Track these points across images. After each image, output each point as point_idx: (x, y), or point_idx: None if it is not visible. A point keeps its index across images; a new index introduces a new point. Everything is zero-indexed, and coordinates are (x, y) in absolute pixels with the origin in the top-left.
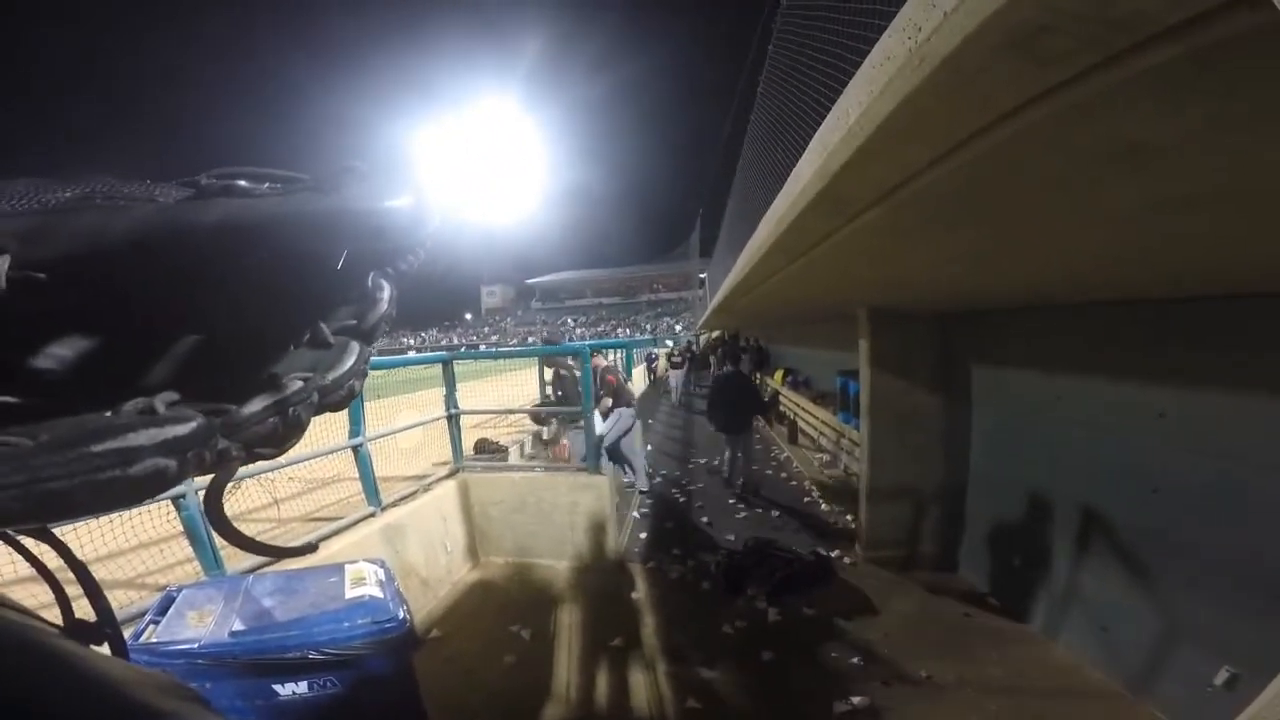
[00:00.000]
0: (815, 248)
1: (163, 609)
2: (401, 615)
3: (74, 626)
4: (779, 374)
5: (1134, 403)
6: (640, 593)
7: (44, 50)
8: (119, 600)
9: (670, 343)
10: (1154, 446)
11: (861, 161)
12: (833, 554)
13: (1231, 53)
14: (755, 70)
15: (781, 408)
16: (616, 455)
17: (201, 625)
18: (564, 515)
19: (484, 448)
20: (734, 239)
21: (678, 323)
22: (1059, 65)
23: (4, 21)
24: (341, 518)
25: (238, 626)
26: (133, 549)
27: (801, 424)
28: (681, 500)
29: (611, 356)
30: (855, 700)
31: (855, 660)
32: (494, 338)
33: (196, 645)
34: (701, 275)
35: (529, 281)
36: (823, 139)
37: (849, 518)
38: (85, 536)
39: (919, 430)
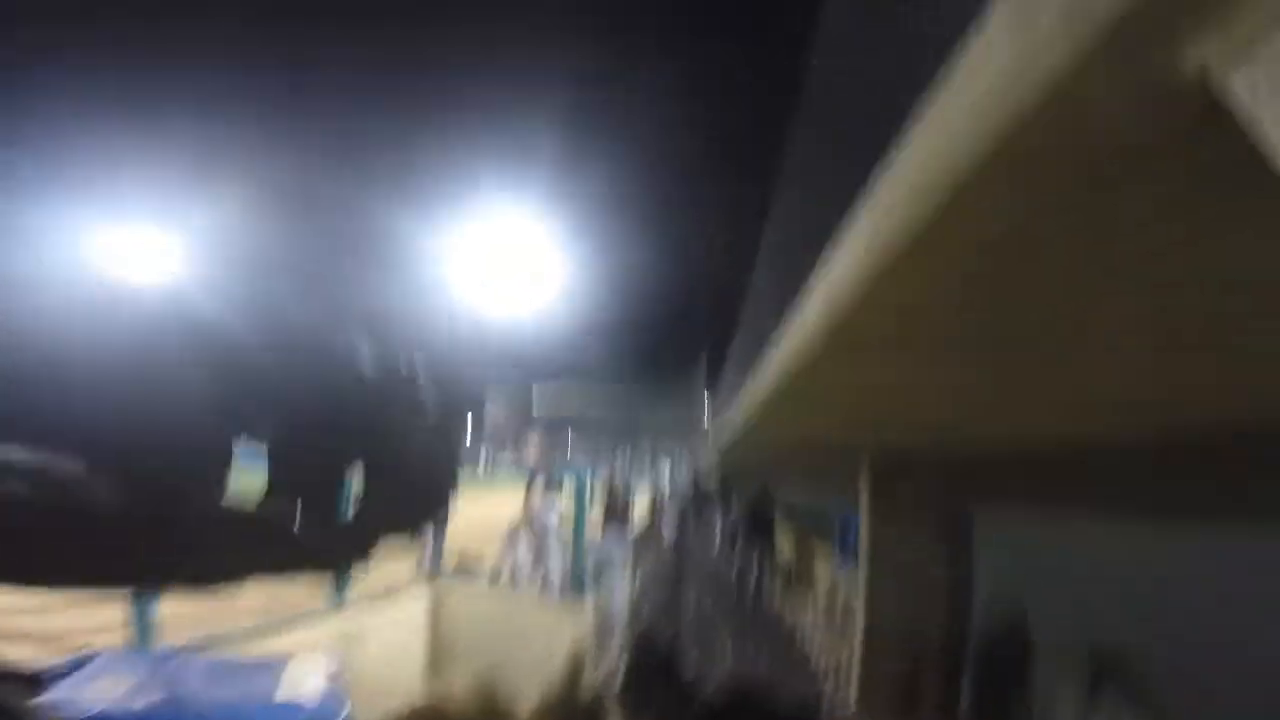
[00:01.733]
0: (820, 393)
1: (72, 670)
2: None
3: None
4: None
5: (1156, 546)
6: None
7: None
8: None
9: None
10: (1183, 592)
11: (872, 291)
12: (823, 706)
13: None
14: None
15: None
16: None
17: (110, 693)
18: (541, 643)
19: (465, 564)
20: (738, 376)
21: (679, 459)
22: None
23: None
24: (301, 608)
25: (148, 702)
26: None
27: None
28: (668, 636)
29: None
30: None
31: None
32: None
33: (96, 711)
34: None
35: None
36: (828, 271)
37: (841, 666)
38: None
39: (920, 579)
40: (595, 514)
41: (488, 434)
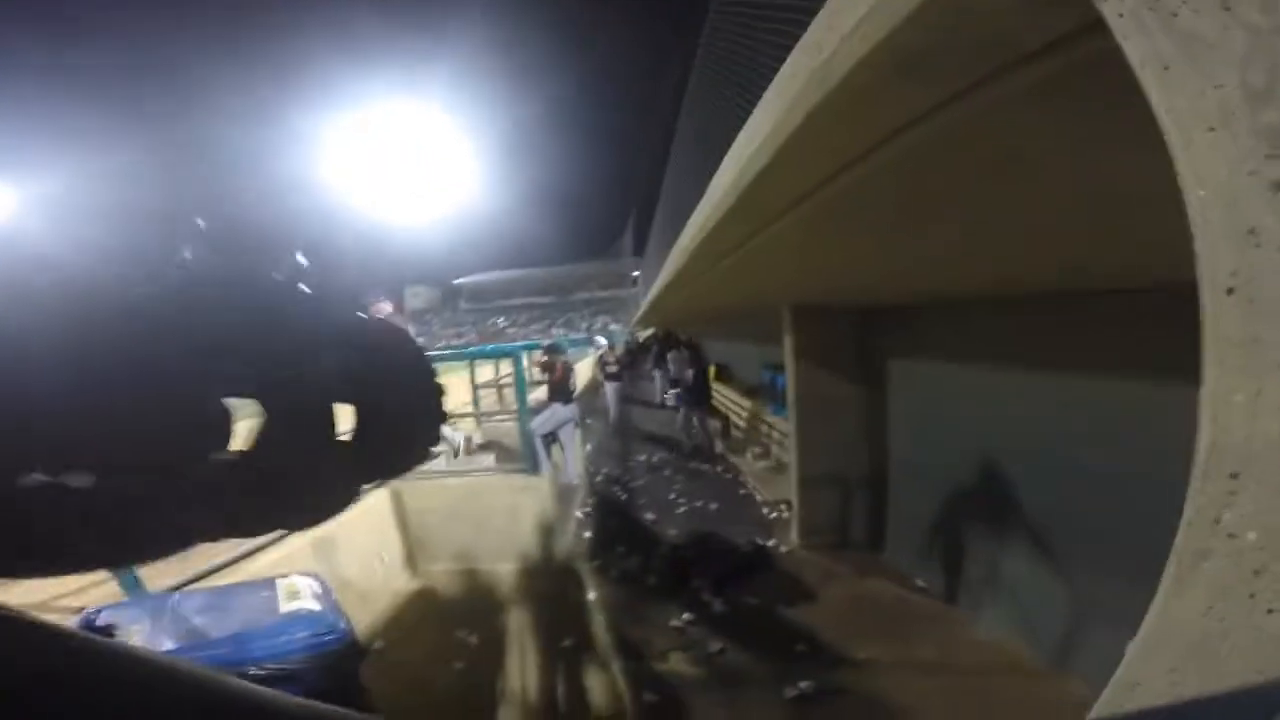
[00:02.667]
0: (734, 251)
1: (86, 628)
2: (342, 626)
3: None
4: (711, 369)
5: (1040, 392)
6: (588, 591)
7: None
8: None
9: (603, 341)
10: (1059, 433)
11: (771, 172)
12: (770, 543)
13: (1083, 74)
14: (687, 68)
15: (714, 403)
16: (550, 439)
17: (133, 643)
18: (504, 519)
19: None
20: (665, 239)
21: (614, 321)
22: (942, 85)
23: None
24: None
25: (168, 645)
26: None
27: (734, 419)
28: (623, 498)
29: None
30: (803, 685)
31: (799, 646)
32: (421, 340)
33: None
34: (635, 274)
35: (456, 282)
36: (737, 151)
37: (783, 507)
38: None
39: (843, 420)
40: (537, 389)
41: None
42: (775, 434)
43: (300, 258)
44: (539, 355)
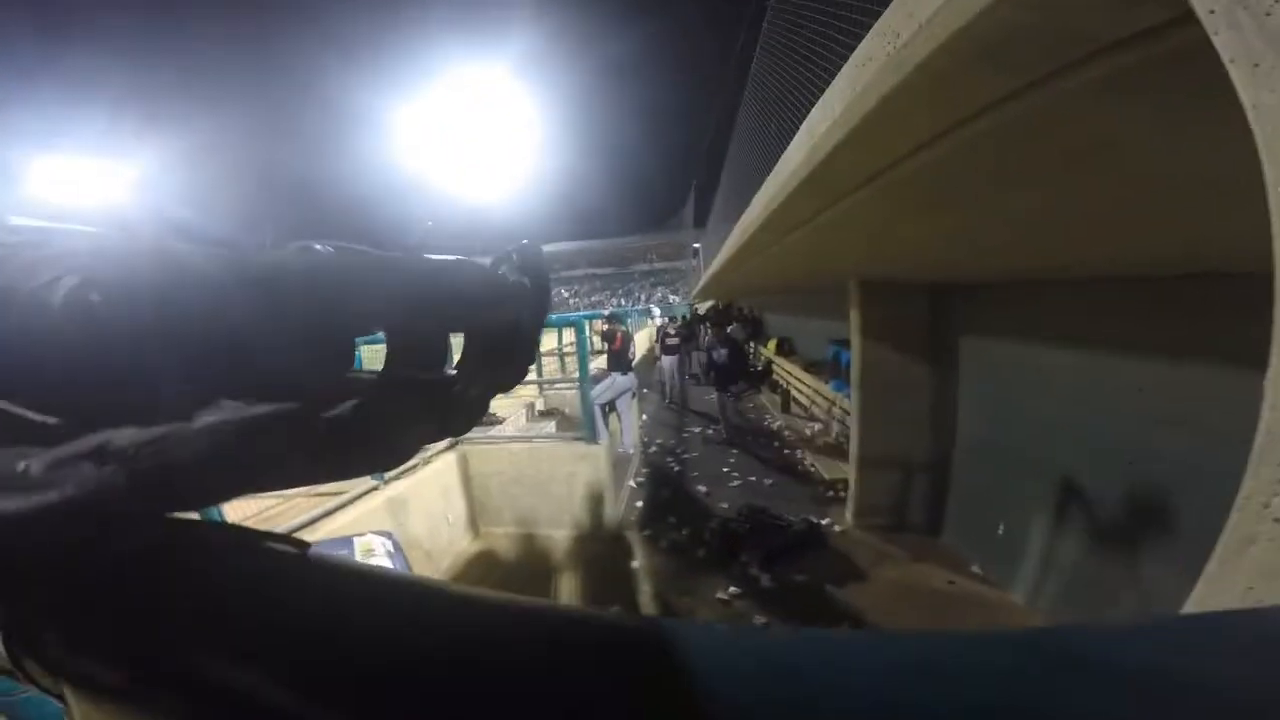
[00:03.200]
0: (804, 225)
1: None
2: None
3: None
4: (772, 344)
5: (1114, 376)
6: (637, 560)
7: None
8: None
9: (657, 312)
10: (1133, 419)
11: (845, 151)
12: (824, 521)
13: (1167, 65)
14: (750, 45)
15: (775, 377)
16: (608, 409)
17: None
18: (562, 485)
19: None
20: (728, 211)
21: (673, 293)
22: (1021, 72)
23: None
24: (345, 491)
25: None
26: None
27: (794, 393)
28: (677, 469)
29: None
30: None
31: (844, 626)
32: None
33: None
34: (696, 245)
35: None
36: (810, 128)
37: (840, 485)
38: None
39: (908, 399)
40: (597, 359)
41: None
42: (836, 410)
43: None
44: (600, 324)
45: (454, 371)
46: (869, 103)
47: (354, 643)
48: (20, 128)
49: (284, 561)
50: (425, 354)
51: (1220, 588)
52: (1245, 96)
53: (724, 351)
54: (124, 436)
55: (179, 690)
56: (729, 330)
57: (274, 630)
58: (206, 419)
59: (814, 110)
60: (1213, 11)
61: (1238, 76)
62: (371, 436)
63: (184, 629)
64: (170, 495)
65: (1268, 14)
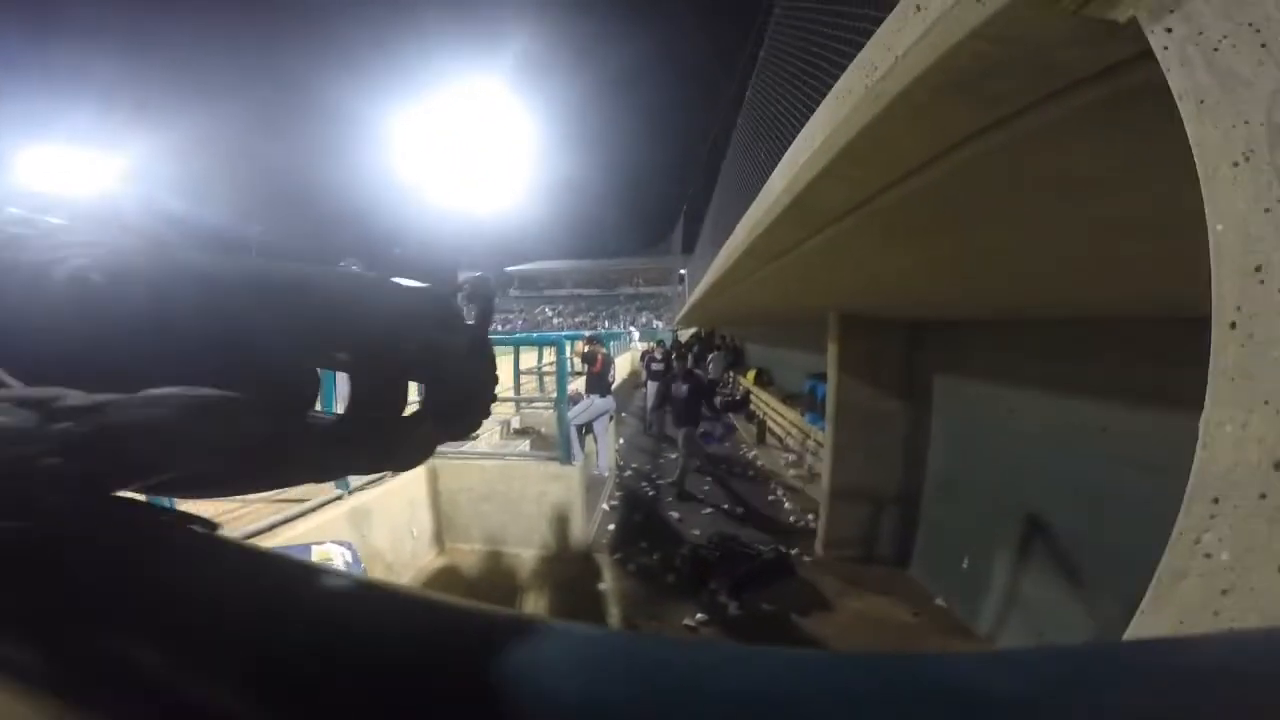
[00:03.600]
0: (786, 254)
1: None
2: None
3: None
4: (751, 374)
5: (1079, 417)
6: (606, 583)
7: None
8: None
9: (636, 335)
10: (1097, 459)
11: (825, 181)
12: (793, 551)
13: (1139, 99)
14: (745, 74)
15: (751, 407)
16: (585, 430)
17: None
18: (533, 505)
19: None
20: (715, 238)
21: (657, 317)
22: (997, 105)
23: None
24: (307, 499)
25: None
26: None
27: (770, 424)
28: (651, 494)
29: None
30: None
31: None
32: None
33: None
34: (682, 271)
35: (508, 269)
36: (792, 157)
37: (811, 517)
38: None
39: (882, 434)
40: (577, 379)
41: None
42: (810, 442)
43: (398, 250)
44: (581, 345)
45: (409, 414)
46: (848, 133)
47: (228, 619)
48: (11, 117)
49: (193, 541)
50: (390, 391)
51: (1153, 620)
52: (1191, 131)
53: (684, 387)
54: (74, 397)
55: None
56: (709, 359)
57: (161, 604)
58: (149, 393)
59: (796, 139)
60: (1166, 48)
61: (1185, 112)
62: (302, 459)
63: (85, 606)
64: (108, 463)
65: (1215, 49)
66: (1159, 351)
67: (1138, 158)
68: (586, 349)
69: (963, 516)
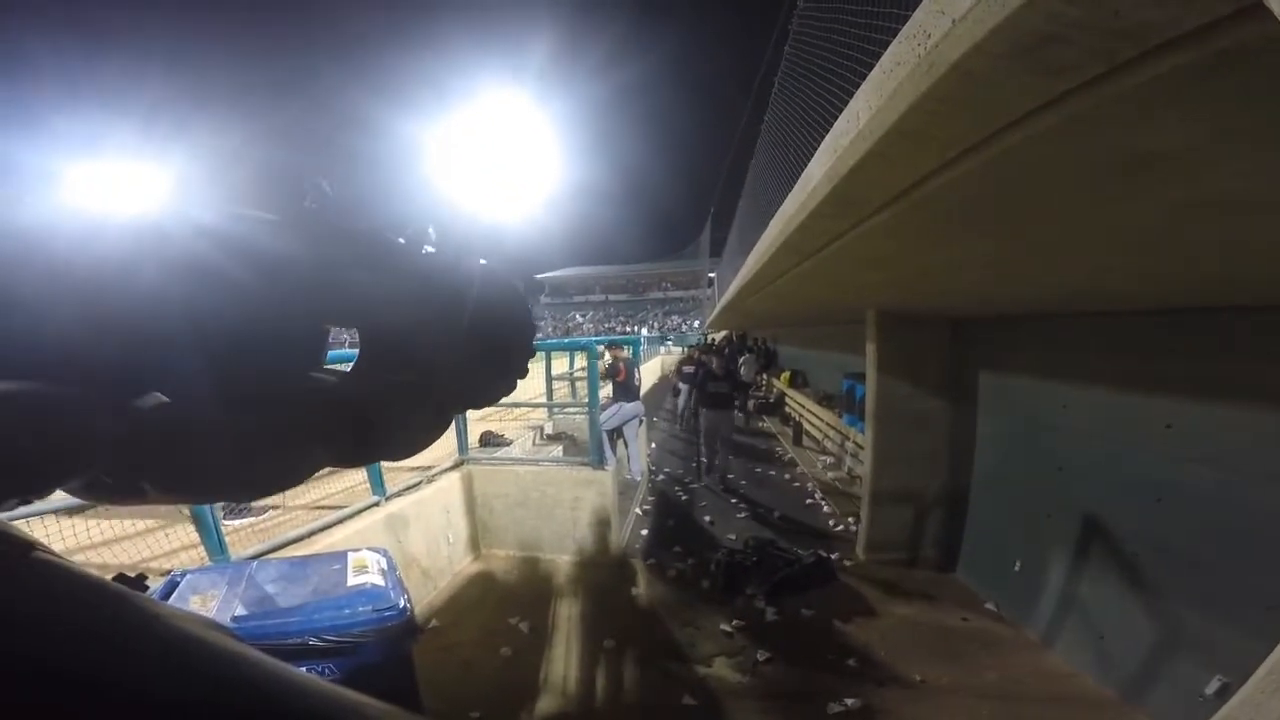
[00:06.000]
0: (824, 249)
1: (166, 593)
2: (402, 604)
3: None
4: (785, 376)
5: (1140, 412)
6: (640, 589)
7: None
8: None
9: (669, 340)
10: (1158, 456)
11: (871, 164)
12: (833, 555)
13: (1235, 63)
14: (771, 71)
15: (787, 409)
16: (616, 433)
17: (204, 609)
18: (567, 510)
19: (488, 440)
20: (744, 239)
21: (685, 322)
22: (1067, 74)
23: None
24: (345, 506)
25: (240, 611)
26: (138, 534)
27: (807, 426)
28: (684, 499)
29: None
30: (849, 702)
31: (850, 662)
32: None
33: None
34: (711, 274)
35: (538, 277)
36: (833, 141)
37: (851, 520)
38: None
39: (924, 434)
40: (606, 386)
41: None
42: (849, 444)
43: (430, 231)
44: (602, 351)
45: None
46: (896, 110)
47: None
48: (61, 133)
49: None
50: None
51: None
52: None
53: (719, 379)
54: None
55: None
56: (740, 360)
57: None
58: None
59: (838, 121)
60: None
61: None
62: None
63: None
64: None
65: None
66: (1227, 344)
67: (1221, 131)
68: (607, 361)
69: (1013, 517)
